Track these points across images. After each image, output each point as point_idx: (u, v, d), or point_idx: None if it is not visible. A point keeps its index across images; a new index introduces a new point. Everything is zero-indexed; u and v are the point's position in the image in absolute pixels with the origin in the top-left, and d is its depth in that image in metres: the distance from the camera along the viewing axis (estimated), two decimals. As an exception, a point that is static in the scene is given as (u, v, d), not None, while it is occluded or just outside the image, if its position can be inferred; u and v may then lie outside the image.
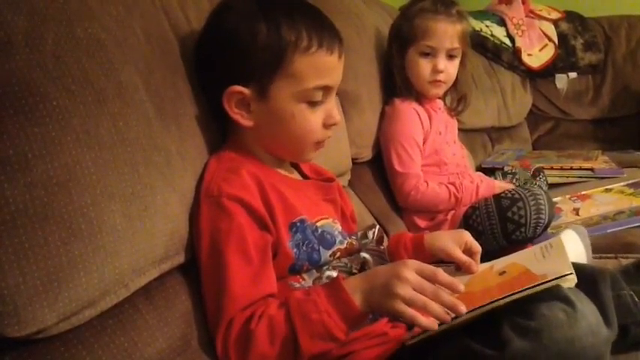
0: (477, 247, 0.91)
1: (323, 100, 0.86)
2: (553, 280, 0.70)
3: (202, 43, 0.87)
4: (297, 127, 0.85)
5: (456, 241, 0.91)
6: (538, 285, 0.70)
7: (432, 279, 0.71)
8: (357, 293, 0.72)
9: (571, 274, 0.71)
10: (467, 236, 0.92)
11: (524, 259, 0.80)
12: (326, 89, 0.85)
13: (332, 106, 0.88)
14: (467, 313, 0.70)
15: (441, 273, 0.72)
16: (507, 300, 0.70)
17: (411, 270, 0.71)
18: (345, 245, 0.88)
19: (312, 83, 0.83)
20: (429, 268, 0.73)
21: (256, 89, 0.83)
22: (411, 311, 0.70)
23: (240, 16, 0.83)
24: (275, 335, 0.72)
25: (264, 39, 0.81)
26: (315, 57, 0.83)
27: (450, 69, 1.47)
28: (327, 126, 0.88)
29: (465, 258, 0.87)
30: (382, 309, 0.73)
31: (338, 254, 0.86)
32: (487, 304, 0.71)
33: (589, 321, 0.70)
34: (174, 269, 0.78)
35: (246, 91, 0.82)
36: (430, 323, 0.70)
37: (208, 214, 0.78)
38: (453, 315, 0.70)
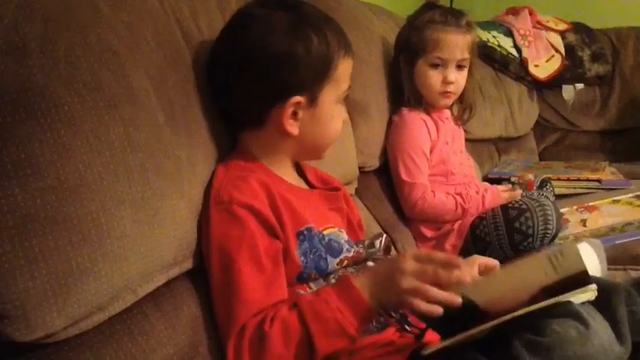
0: (493, 262, 0.92)
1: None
2: (574, 292, 0.70)
3: (242, 59, 0.85)
4: (334, 126, 0.92)
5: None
6: (558, 297, 0.70)
7: (429, 260, 0.73)
8: (365, 290, 0.74)
9: (590, 283, 0.70)
10: (479, 261, 0.92)
11: (534, 274, 0.78)
12: (348, 90, 0.92)
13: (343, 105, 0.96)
14: (481, 326, 0.69)
15: (435, 253, 0.75)
16: (523, 312, 0.70)
17: (409, 260, 0.73)
18: (352, 253, 0.88)
19: (345, 85, 0.90)
20: (424, 252, 0.78)
21: (309, 97, 0.86)
22: (415, 301, 0.71)
23: (287, 29, 0.84)
24: (290, 336, 0.72)
25: (316, 49, 0.85)
26: (346, 61, 0.89)
27: (459, 80, 1.47)
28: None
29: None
30: (390, 303, 0.76)
31: (345, 262, 0.86)
32: (502, 318, 0.71)
33: (601, 339, 0.70)
34: (182, 275, 0.78)
35: (302, 100, 0.85)
36: (433, 308, 0.71)
37: (218, 222, 0.78)
38: (459, 298, 0.71)
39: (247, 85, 0.86)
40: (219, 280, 0.77)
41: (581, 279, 0.72)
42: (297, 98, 0.84)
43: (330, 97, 0.88)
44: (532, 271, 0.78)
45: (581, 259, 0.74)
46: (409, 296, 0.71)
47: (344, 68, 0.88)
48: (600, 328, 0.71)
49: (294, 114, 0.86)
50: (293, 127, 0.86)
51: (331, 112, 0.89)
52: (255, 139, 0.89)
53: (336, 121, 0.91)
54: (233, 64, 0.86)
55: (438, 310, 0.71)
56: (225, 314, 0.76)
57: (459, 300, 0.71)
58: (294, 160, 0.95)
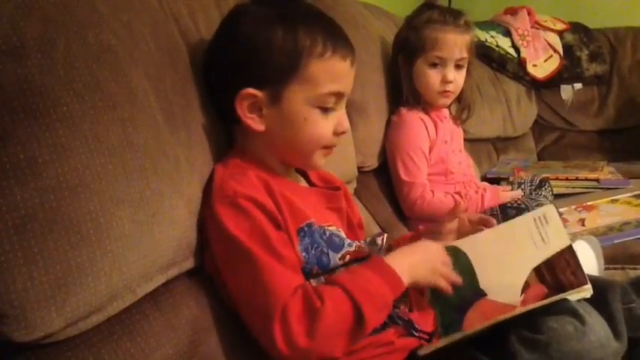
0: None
1: (334, 107, 0.86)
2: (570, 293, 0.71)
3: (216, 46, 0.88)
4: (308, 130, 0.85)
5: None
6: (555, 298, 0.71)
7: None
8: (402, 268, 0.79)
9: (587, 284, 0.71)
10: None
11: (522, 241, 0.80)
12: (338, 96, 0.86)
13: (343, 115, 0.89)
14: (480, 325, 0.70)
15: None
16: (520, 312, 0.71)
17: (441, 248, 0.86)
18: (353, 248, 0.87)
19: (325, 89, 0.84)
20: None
21: (270, 93, 0.83)
22: (442, 282, 0.83)
23: (257, 20, 0.83)
24: (340, 310, 0.73)
25: (280, 42, 0.81)
26: (329, 62, 0.83)
27: (458, 79, 1.47)
28: (336, 133, 0.88)
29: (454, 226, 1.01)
30: (425, 279, 0.83)
31: (347, 257, 0.86)
32: (499, 319, 0.71)
33: (598, 335, 0.70)
34: (181, 275, 0.78)
35: (259, 94, 0.82)
36: (449, 288, 0.83)
37: (227, 216, 0.77)
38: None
39: (217, 75, 0.86)
40: (239, 274, 0.77)
41: (568, 256, 0.75)
42: (251, 90, 0.82)
43: (299, 97, 0.83)
44: (520, 230, 0.83)
45: (563, 229, 0.80)
46: (440, 277, 0.82)
47: (321, 69, 0.83)
48: (597, 324, 0.71)
49: (258, 108, 0.84)
50: (255, 123, 0.84)
51: (302, 113, 0.84)
52: (244, 136, 0.88)
53: (311, 125, 0.84)
54: (210, 57, 0.88)
55: (450, 289, 0.83)
56: (253, 306, 0.75)
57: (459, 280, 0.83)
58: (282, 162, 0.91)
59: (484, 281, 0.81)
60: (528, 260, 0.77)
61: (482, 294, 0.79)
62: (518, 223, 0.86)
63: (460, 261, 0.87)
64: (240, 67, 0.83)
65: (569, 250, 0.75)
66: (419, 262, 0.82)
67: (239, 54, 0.83)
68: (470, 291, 0.82)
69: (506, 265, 0.82)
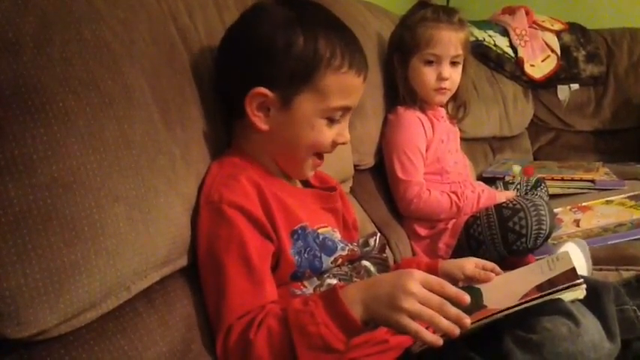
0: (489, 263, 0.93)
1: (340, 120, 0.87)
2: (563, 288, 0.71)
3: (234, 39, 0.88)
4: (312, 138, 0.86)
5: (466, 262, 0.94)
6: (548, 294, 0.71)
7: (438, 291, 0.69)
8: (357, 304, 0.69)
9: (581, 283, 0.71)
10: (474, 259, 0.95)
11: (531, 273, 0.80)
12: (346, 109, 0.87)
13: (345, 126, 0.89)
14: (473, 323, 0.70)
15: (447, 285, 0.70)
16: (515, 309, 0.71)
17: (416, 282, 0.68)
18: (346, 252, 0.88)
19: (336, 102, 0.84)
20: (435, 279, 0.70)
21: (281, 96, 0.83)
22: (415, 326, 0.67)
23: (279, 22, 0.83)
24: (274, 346, 0.71)
25: (299, 49, 0.82)
26: (344, 77, 0.84)
27: (454, 76, 1.48)
28: (335, 144, 0.89)
29: (477, 270, 0.91)
30: (385, 321, 0.70)
31: (340, 261, 0.86)
32: (493, 314, 0.71)
33: (592, 336, 0.71)
34: (175, 272, 0.78)
35: (270, 94, 0.82)
36: (435, 339, 0.67)
37: (208, 221, 0.78)
38: (458, 330, 0.67)
39: (230, 68, 0.87)
40: (209, 279, 0.78)
41: (570, 275, 0.74)
42: (263, 90, 0.82)
43: (309, 107, 0.83)
44: (533, 271, 0.81)
45: (571, 261, 0.77)
46: (407, 318, 0.67)
47: (336, 82, 0.83)
48: (590, 325, 0.72)
49: (266, 108, 0.84)
50: (260, 122, 0.84)
51: (309, 122, 0.84)
52: (244, 132, 0.88)
53: (315, 134, 0.85)
54: (226, 47, 0.88)
55: (439, 341, 0.67)
56: (215, 313, 0.76)
57: (457, 331, 0.67)
58: (276, 164, 0.90)
59: (487, 299, 0.81)
60: (532, 281, 0.77)
61: (483, 307, 0.79)
62: (534, 266, 0.85)
63: (474, 294, 0.81)
64: (255, 66, 0.83)
65: (572, 270, 0.75)
66: (378, 297, 0.69)
67: (257, 52, 0.83)
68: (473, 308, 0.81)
69: (510, 285, 0.82)
